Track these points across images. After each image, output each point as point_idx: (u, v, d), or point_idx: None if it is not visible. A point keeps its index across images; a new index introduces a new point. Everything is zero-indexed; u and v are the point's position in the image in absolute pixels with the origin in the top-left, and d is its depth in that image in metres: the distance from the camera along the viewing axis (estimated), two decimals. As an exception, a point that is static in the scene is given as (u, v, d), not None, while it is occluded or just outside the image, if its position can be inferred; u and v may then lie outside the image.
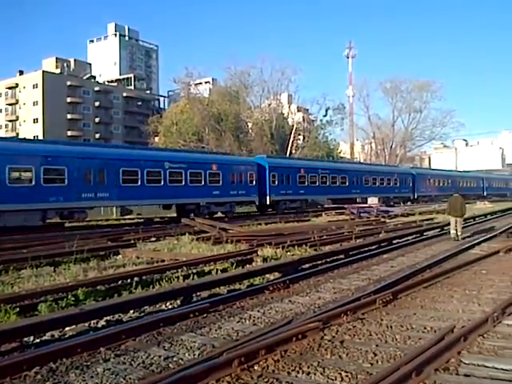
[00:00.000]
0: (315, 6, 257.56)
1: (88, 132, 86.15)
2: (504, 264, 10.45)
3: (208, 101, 64.96)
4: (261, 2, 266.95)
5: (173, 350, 5.11)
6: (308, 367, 4.51)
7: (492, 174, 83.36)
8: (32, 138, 58.75)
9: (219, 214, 28.57)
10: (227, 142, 60.51)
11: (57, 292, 7.60)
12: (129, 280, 8.74)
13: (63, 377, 4.40)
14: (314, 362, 4.63)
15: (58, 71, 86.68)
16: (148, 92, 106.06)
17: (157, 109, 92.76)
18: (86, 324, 6.34)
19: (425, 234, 17.28)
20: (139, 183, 24.37)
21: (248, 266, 10.85)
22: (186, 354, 4.96)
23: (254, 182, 31.17)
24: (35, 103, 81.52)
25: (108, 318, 6.69)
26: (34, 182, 20.38)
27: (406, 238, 15.69)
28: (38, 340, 5.78)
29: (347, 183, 39.93)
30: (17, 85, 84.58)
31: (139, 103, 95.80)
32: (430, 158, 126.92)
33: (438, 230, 18.30)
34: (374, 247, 13.51)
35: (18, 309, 6.59)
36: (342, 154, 75.06)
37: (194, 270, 9.82)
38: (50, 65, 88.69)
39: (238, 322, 6.22)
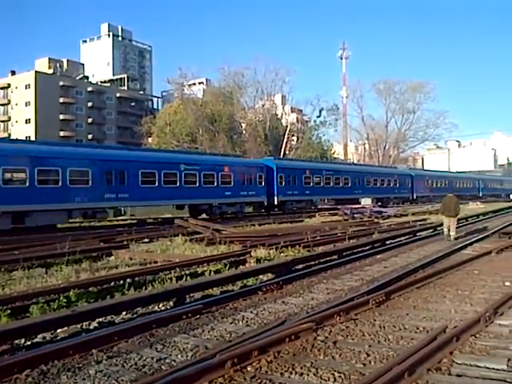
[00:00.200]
0: (309, 7, 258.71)
1: (81, 132, 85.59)
2: (496, 264, 10.53)
3: (202, 101, 64.95)
4: (255, 4, 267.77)
5: (165, 351, 5.09)
6: (301, 368, 4.51)
7: (486, 174, 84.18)
8: (24, 138, 58.30)
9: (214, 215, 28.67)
10: (221, 142, 60.51)
11: (49, 294, 7.55)
12: (121, 281, 8.70)
13: (55, 379, 4.36)
14: (307, 363, 4.63)
15: (51, 71, 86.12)
16: (141, 92, 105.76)
17: (150, 109, 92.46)
18: (78, 326, 6.30)
19: (418, 234, 17.37)
20: (156, 184, 25.24)
21: (241, 267, 10.86)
22: (179, 356, 4.94)
23: (263, 183, 32.00)
24: (27, 103, 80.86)
25: (100, 319, 6.65)
26: (60, 184, 21.14)
27: (399, 239, 15.75)
28: (29, 342, 5.74)
29: (350, 184, 40.94)
30: (9, 85, 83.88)
31: (132, 104, 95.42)
32: (423, 159, 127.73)
33: (431, 230, 18.41)
34: (367, 248, 13.56)
35: (9, 311, 6.53)
36: (335, 155, 75.25)
37: (187, 272, 9.80)
38: (42, 65, 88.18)
39: (231, 323, 6.21)
